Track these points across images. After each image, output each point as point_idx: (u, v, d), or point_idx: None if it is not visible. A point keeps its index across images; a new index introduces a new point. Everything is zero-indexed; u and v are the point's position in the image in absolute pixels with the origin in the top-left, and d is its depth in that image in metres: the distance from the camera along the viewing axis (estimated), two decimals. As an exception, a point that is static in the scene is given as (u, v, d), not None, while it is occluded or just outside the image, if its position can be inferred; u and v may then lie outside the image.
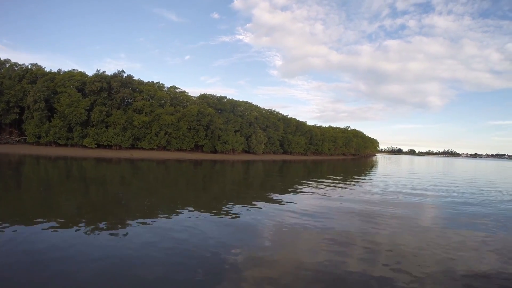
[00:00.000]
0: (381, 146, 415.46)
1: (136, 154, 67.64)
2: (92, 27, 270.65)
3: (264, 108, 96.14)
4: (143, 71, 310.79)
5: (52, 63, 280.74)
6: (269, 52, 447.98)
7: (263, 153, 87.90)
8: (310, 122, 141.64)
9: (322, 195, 21.58)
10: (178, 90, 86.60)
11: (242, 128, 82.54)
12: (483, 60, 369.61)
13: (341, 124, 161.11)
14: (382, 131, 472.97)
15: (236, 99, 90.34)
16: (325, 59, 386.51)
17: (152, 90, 79.84)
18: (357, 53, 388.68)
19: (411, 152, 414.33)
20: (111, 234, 10.56)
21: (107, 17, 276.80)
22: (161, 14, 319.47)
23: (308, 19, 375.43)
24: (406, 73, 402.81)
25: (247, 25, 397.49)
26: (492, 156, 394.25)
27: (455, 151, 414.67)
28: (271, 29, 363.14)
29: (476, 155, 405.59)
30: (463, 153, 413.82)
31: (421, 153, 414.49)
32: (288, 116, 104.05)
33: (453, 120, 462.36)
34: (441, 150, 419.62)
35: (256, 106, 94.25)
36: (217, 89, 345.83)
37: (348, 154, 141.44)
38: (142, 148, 73.15)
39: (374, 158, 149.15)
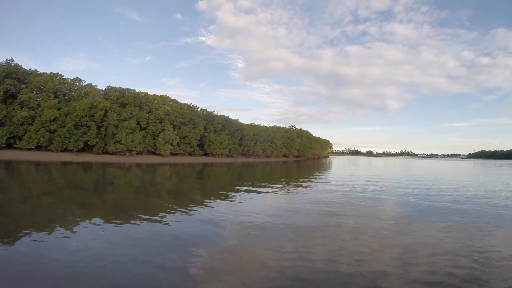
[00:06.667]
0: (340, 148, 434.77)
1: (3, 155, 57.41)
2: (50, 24, 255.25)
3: (182, 103, 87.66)
4: (102, 71, 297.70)
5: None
6: (231, 54, 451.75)
7: (175, 154, 79.94)
8: (270, 125, 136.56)
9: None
10: (83, 83, 77.48)
11: (149, 125, 73.88)
12: (439, 66, 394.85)
13: (303, 127, 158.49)
14: (341, 133, 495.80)
15: (196, 102, 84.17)
16: (287, 62, 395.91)
17: (42, 82, 69.83)
18: (318, 57, 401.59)
19: (369, 154, 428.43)
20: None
21: (66, 15, 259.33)
22: (123, 13, 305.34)
23: (271, 23, 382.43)
24: (366, 78, 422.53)
25: (211, 27, 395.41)
26: (448, 156, 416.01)
27: (412, 152, 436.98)
28: (235, 32, 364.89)
29: (432, 155, 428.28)
30: (419, 154, 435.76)
31: (379, 154, 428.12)
32: (214, 113, 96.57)
33: (410, 122, 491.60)
34: (398, 151, 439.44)
35: (175, 100, 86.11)
36: (177, 91, 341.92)
37: (291, 155, 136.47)
38: (20, 149, 62.92)
39: (325, 160, 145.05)
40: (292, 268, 8.27)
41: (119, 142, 66.76)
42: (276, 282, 7.49)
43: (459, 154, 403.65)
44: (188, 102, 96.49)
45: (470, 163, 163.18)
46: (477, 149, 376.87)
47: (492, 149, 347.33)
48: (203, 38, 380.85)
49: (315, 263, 8.66)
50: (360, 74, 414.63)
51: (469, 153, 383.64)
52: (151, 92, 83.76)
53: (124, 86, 78.76)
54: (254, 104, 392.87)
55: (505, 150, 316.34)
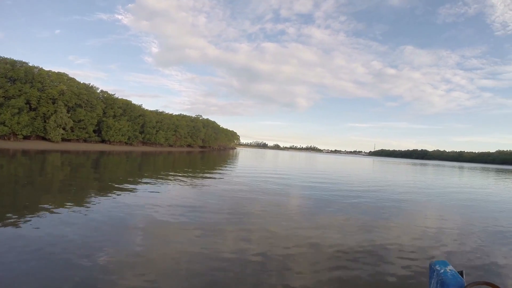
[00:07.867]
0: (248, 140, 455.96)
1: None
2: None
3: (81, 83, 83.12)
4: (5, 42, 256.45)
5: None
6: (147, 37, 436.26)
7: (68, 140, 77.61)
8: (178, 113, 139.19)
9: None
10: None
11: (40, 105, 70.69)
12: (349, 71, 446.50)
13: (212, 118, 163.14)
14: (250, 126, 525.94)
15: (105, 85, 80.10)
16: (203, 52, 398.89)
17: None
18: (234, 50, 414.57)
19: (276, 147, 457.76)
20: None
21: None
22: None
23: (193, 9, 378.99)
24: (279, 75, 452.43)
25: (129, 5, 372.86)
26: (350, 152, 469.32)
27: (317, 147, 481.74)
28: (153, 14, 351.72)
29: (336, 151, 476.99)
30: (324, 149, 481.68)
31: (285, 148, 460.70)
32: (115, 96, 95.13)
33: (317, 120, 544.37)
34: (304, 146, 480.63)
35: (73, 79, 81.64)
36: (85, 71, 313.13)
37: (196, 146, 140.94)
38: None
39: (231, 152, 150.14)
40: (200, 267, 8.10)
41: (3, 123, 62.33)
42: (183, 281, 7.26)
43: (361, 151, 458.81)
44: (97, 84, 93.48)
45: (371, 159, 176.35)
46: (378, 148, 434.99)
47: (391, 149, 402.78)
48: (119, 17, 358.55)
49: (224, 261, 8.63)
50: (273, 70, 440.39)
51: (370, 151, 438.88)
52: (56, 70, 78.59)
53: (31, 62, 72.74)
54: (164, 91, 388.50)
55: (402, 150, 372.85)
